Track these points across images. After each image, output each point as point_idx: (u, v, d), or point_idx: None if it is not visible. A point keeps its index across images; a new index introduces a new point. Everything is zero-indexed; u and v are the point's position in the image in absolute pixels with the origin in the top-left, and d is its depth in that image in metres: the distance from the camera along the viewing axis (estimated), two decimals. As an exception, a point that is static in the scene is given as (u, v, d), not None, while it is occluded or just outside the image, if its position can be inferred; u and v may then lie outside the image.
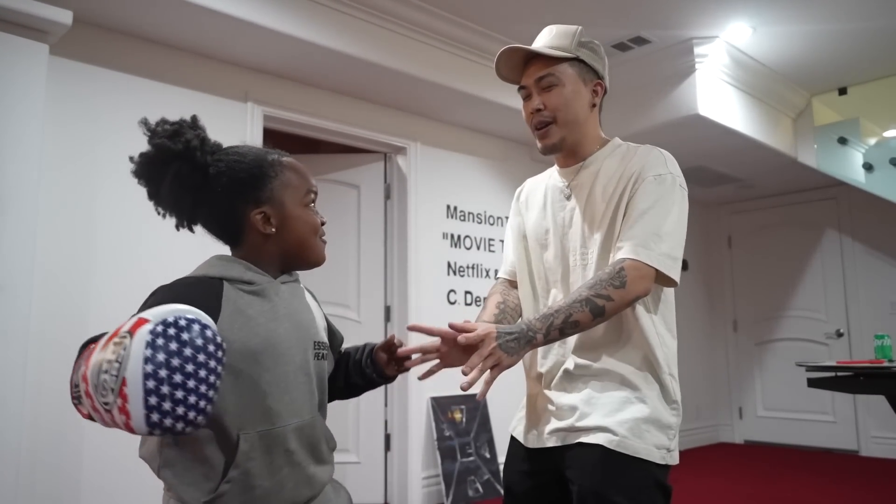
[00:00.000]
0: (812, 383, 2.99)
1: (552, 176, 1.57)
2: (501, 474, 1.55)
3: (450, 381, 4.11)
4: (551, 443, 1.40)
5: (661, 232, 1.32)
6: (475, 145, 4.60)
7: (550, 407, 1.42)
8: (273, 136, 3.83)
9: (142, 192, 1.23)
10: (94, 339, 1.01)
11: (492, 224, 4.62)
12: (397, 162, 4.20)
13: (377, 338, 4.06)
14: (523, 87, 1.49)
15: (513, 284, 1.62)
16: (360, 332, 4.03)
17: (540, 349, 1.45)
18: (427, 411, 4.02)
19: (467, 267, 4.43)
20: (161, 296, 1.10)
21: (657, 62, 4.13)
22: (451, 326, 1.26)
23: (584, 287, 1.29)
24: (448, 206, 4.37)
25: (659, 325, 1.39)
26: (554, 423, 1.40)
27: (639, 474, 1.29)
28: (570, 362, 1.40)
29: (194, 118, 1.25)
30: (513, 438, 1.54)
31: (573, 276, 1.44)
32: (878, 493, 4.21)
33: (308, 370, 1.24)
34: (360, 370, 1.39)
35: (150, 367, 0.85)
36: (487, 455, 4.16)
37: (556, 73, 1.43)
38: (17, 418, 2.37)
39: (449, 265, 4.33)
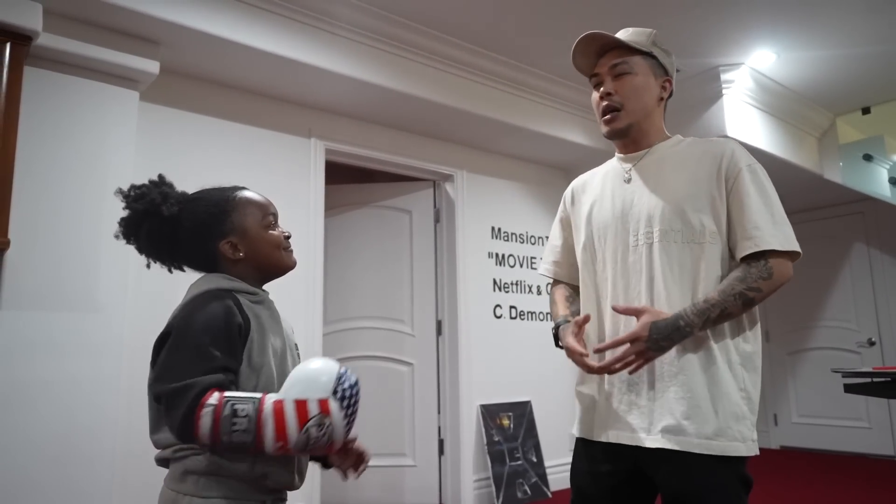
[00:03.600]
0: (849, 389, 2.86)
1: (610, 164, 1.53)
2: (569, 475, 1.47)
3: (498, 390, 4.10)
4: (626, 440, 1.31)
5: (778, 218, 1.31)
6: (516, 171, 4.59)
7: (622, 406, 1.33)
8: (333, 168, 3.90)
9: None
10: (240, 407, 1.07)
11: (533, 244, 4.59)
12: (445, 188, 4.22)
13: (430, 351, 4.14)
14: (595, 74, 1.45)
15: (564, 284, 1.59)
16: (415, 345, 4.03)
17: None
18: (477, 417, 3.98)
19: (511, 283, 4.40)
20: (212, 311, 1.15)
21: (687, 89, 4.07)
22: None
23: (735, 281, 1.27)
24: (493, 228, 4.37)
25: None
26: (628, 422, 1.31)
27: (724, 472, 1.23)
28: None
29: (161, 177, 1.28)
30: (578, 440, 1.43)
31: (633, 256, 1.36)
32: (918, 498, 3.97)
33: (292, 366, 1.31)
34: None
35: (348, 426, 1.10)
36: (534, 459, 4.08)
37: (630, 63, 1.40)
38: (113, 423, 2.45)
39: (494, 282, 4.31)
